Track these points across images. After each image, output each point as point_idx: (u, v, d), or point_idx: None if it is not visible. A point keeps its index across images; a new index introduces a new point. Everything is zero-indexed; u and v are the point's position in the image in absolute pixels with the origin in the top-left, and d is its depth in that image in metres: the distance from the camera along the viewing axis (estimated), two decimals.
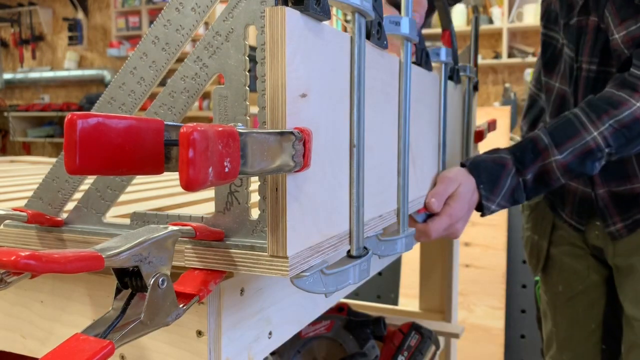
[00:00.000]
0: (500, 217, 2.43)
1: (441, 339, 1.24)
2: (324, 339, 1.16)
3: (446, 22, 0.89)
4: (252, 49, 0.41)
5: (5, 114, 6.45)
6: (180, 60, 0.43)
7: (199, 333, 0.46)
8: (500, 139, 2.49)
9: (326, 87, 0.45)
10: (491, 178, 0.87)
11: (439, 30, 0.99)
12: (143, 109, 0.49)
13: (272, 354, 1.10)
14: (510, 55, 4.21)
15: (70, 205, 0.53)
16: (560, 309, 1.24)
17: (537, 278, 1.34)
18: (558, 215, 1.21)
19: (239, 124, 0.37)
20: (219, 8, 0.49)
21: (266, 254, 0.41)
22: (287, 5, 0.39)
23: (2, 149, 6.62)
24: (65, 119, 0.33)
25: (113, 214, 0.59)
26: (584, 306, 1.21)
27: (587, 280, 1.19)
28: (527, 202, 1.26)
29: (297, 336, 1.14)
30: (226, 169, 0.33)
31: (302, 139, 0.40)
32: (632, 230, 1.09)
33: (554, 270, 1.24)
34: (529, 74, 4.01)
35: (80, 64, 6.45)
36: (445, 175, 0.84)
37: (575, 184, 1.13)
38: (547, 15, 1.15)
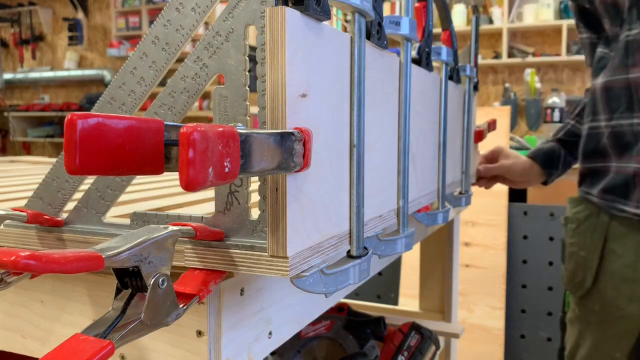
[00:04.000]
0: (500, 217, 2.43)
1: (441, 339, 1.24)
2: (324, 339, 1.16)
3: (446, 22, 0.89)
4: (252, 49, 0.41)
5: (5, 114, 6.44)
6: (180, 60, 0.43)
7: (199, 333, 0.46)
8: (500, 139, 2.50)
9: (326, 87, 0.45)
10: None
11: (439, 30, 0.99)
12: (143, 109, 0.49)
13: (272, 354, 1.10)
14: (510, 55, 4.20)
15: (70, 205, 0.53)
16: (591, 327, 1.16)
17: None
18: (619, 211, 1.09)
19: (239, 124, 0.37)
20: (219, 8, 0.49)
21: (266, 254, 0.41)
22: (287, 5, 0.39)
23: (2, 149, 6.61)
24: (65, 119, 0.33)
25: (113, 214, 0.59)
26: (616, 334, 1.13)
27: (626, 310, 1.10)
28: (573, 214, 1.19)
29: (297, 336, 1.14)
30: (226, 169, 0.33)
31: (302, 139, 0.40)
32: None
33: (595, 289, 1.15)
34: (529, 74, 4.00)
35: (80, 64, 6.45)
36: None
37: None
38: None
